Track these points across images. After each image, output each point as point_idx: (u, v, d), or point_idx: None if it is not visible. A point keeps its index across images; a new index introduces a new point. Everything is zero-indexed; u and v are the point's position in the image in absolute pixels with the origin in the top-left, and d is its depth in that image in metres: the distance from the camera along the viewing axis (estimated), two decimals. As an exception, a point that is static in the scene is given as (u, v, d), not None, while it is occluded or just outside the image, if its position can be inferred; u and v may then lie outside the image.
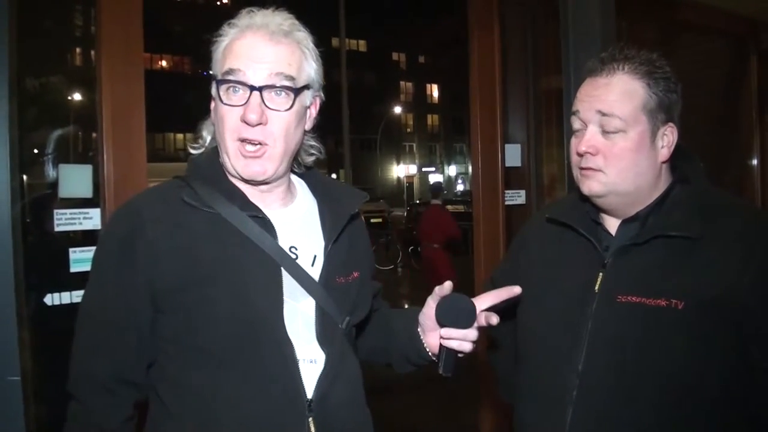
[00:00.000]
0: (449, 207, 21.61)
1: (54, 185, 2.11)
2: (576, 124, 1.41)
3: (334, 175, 23.21)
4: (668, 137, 1.37)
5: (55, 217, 2.03)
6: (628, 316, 1.31)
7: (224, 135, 1.27)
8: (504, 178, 3.18)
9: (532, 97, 3.43)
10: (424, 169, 46.45)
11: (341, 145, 23.61)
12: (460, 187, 44.18)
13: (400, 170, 44.60)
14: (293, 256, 1.31)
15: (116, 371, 1.26)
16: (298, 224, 1.37)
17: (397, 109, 41.25)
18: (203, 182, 1.30)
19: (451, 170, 48.00)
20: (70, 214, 2.06)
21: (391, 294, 10.40)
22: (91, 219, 2.09)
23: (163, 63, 33.11)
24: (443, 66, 39.31)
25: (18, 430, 1.80)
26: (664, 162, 1.39)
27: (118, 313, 1.26)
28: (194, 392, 1.23)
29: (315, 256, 1.35)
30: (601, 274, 1.39)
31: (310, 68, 1.32)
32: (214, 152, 1.36)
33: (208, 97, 1.33)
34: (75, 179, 2.12)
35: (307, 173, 1.48)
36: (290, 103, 1.26)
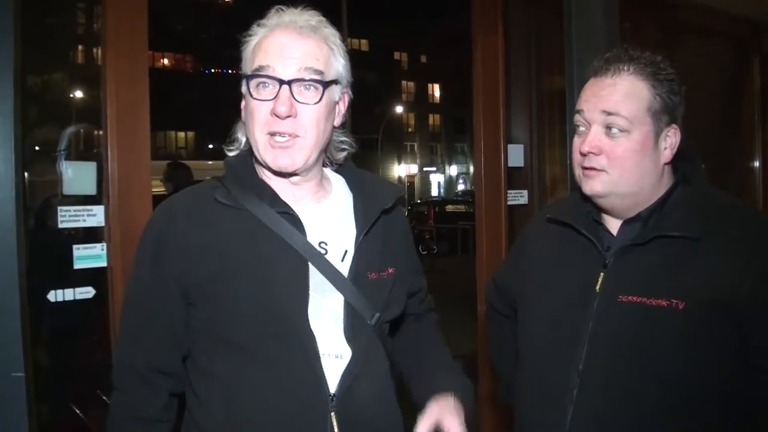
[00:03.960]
0: (450, 207, 21.72)
1: (58, 182, 2.11)
2: (579, 123, 1.41)
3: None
4: (671, 139, 1.38)
5: (59, 213, 2.04)
6: (629, 316, 1.32)
7: (254, 129, 1.29)
8: (506, 178, 3.18)
9: (535, 97, 3.43)
10: (425, 169, 46.43)
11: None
12: (461, 187, 44.20)
13: (402, 170, 44.56)
14: (322, 251, 1.33)
15: (150, 361, 1.32)
16: (330, 219, 1.38)
17: (399, 109, 41.21)
18: (236, 182, 1.34)
19: (453, 170, 47.96)
20: (74, 211, 2.07)
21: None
22: (95, 216, 2.10)
23: (165, 61, 33.10)
24: (445, 66, 39.28)
25: (22, 426, 1.80)
26: (666, 163, 1.40)
27: (152, 305, 1.32)
28: (221, 382, 1.26)
29: (346, 251, 1.36)
30: (602, 273, 1.39)
31: (338, 64, 1.34)
32: (247, 153, 1.39)
33: (239, 98, 1.35)
34: (79, 176, 2.13)
35: (344, 168, 1.49)
36: (319, 96, 1.28)
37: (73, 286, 2.06)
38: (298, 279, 1.28)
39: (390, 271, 1.40)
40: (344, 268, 1.33)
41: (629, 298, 1.33)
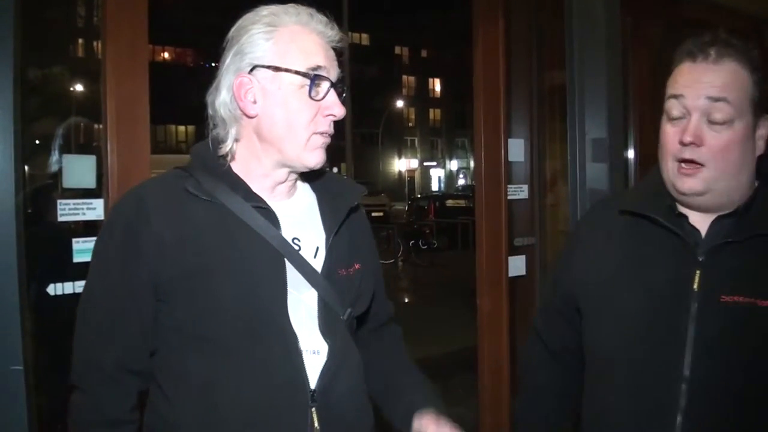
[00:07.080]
0: (450, 202, 21.76)
1: (58, 175, 2.11)
2: (675, 110, 1.29)
3: (335, 169, 23.12)
4: (762, 130, 1.29)
5: (59, 207, 2.03)
6: (737, 318, 1.22)
7: (304, 127, 1.27)
8: (507, 173, 3.18)
9: (536, 92, 3.42)
10: (425, 164, 46.45)
11: (343, 139, 23.57)
12: (461, 182, 44.21)
13: (402, 164, 44.58)
14: (296, 248, 1.31)
15: (121, 360, 1.26)
16: (300, 216, 1.37)
17: (400, 103, 41.25)
18: (206, 172, 1.29)
19: (453, 165, 47.96)
20: (74, 204, 2.06)
21: (392, 288, 10.40)
22: (95, 209, 2.09)
23: (165, 55, 33.06)
24: (446, 60, 39.24)
25: (20, 419, 1.81)
26: (760, 155, 1.31)
27: (123, 302, 1.25)
28: (195, 381, 1.23)
29: (317, 248, 1.35)
30: (698, 271, 1.28)
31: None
32: (214, 141, 1.33)
33: (239, 89, 1.26)
34: (79, 169, 2.12)
35: None
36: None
37: (73, 279, 2.06)
38: (276, 275, 1.27)
39: (357, 266, 1.41)
40: (317, 264, 1.33)
41: (735, 298, 1.23)
